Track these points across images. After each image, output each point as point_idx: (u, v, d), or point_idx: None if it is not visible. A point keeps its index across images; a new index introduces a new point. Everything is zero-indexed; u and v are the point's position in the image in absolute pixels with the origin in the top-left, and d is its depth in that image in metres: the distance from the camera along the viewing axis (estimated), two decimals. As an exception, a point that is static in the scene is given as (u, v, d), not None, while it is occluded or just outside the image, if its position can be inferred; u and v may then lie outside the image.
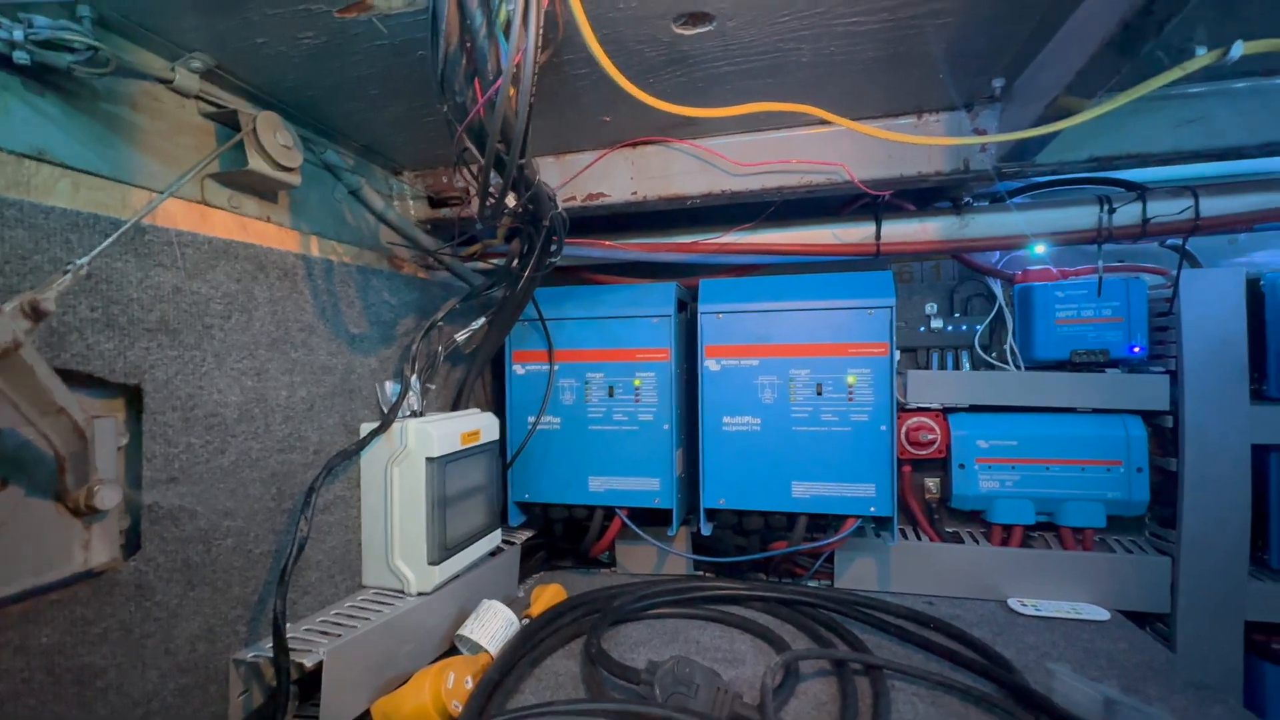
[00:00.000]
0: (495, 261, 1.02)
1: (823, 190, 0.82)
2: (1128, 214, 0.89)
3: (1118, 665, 0.83)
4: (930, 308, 1.12)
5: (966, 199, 0.95)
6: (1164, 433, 1.00)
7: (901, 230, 0.96)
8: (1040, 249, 1.02)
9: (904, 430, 1.06)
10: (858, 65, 0.65)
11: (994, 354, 1.10)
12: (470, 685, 0.71)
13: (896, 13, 0.55)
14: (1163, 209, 0.88)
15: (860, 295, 0.94)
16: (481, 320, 0.95)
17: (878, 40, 0.60)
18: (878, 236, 0.96)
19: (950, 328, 1.10)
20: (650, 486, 1.02)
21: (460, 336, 0.95)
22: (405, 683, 0.68)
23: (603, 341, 1.03)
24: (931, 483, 1.11)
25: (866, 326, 0.93)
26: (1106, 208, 0.90)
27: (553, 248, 0.83)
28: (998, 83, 0.68)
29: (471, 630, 0.82)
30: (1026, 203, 0.99)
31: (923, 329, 1.11)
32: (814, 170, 0.79)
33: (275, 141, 0.63)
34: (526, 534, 1.08)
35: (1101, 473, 1.00)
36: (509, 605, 0.90)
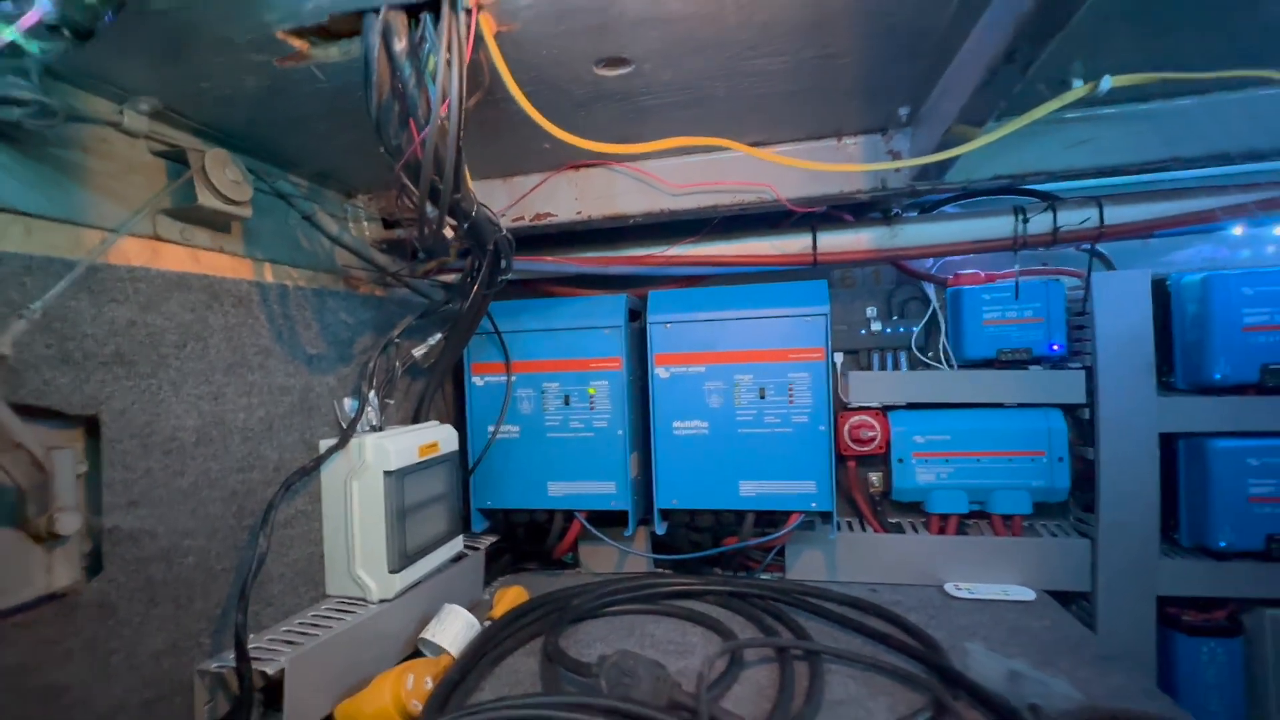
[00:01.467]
0: (452, 277, 1.06)
1: (754, 208, 0.87)
2: (1040, 223, 0.96)
3: (1039, 641, 0.90)
4: (870, 311, 1.18)
5: (895, 210, 1.01)
6: (1083, 424, 1.08)
7: (836, 240, 1.02)
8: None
9: (847, 428, 1.13)
10: (774, 97, 0.70)
11: (930, 354, 1.16)
12: (430, 686, 0.75)
13: (798, 55, 0.60)
14: (1071, 218, 0.95)
15: (797, 303, 0.99)
16: (438, 335, 0.99)
17: (787, 77, 0.65)
18: (814, 247, 1.02)
19: (889, 330, 1.17)
20: (607, 490, 1.06)
21: (418, 351, 0.99)
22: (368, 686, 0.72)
23: (558, 352, 1.08)
24: (875, 477, 1.17)
25: (804, 332, 0.99)
26: (1021, 218, 0.97)
27: (502, 264, 0.87)
28: (904, 110, 0.73)
29: (433, 633, 0.86)
30: (954, 212, 1.06)
31: (864, 331, 1.17)
32: (745, 190, 0.84)
33: (225, 177, 0.66)
34: (490, 539, 1.12)
35: (1027, 463, 1.07)
36: (475, 608, 0.94)
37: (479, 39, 0.52)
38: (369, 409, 0.90)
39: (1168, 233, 0.98)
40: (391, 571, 0.83)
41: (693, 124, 0.76)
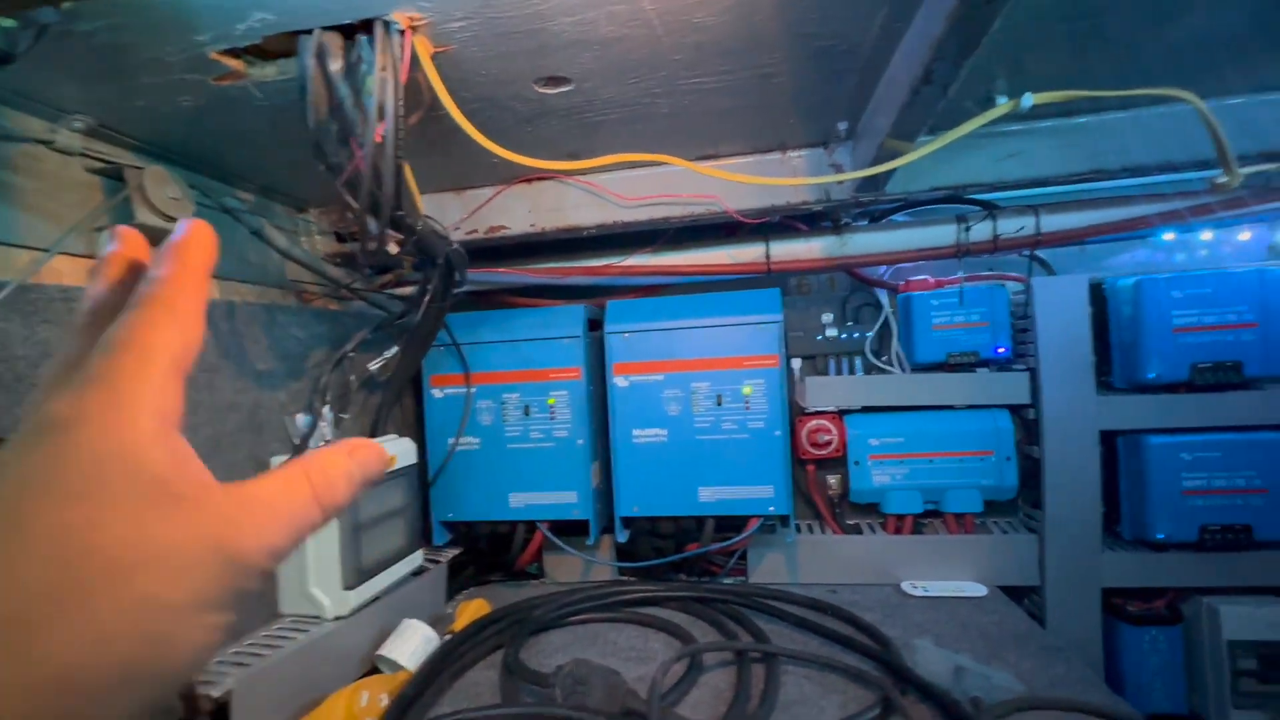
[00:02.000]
0: (408, 290, 1.06)
1: (705, 220, 0.89)
2: (981, 231, 0.99)
3: (987, 635, 0.93)
4: (826, 317, 1.21)
5: (845, 220, 1.04)
6: (1028, 423, 1.12)
7: (789, 249, 1.04)
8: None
9: (805, 432, 1.15)
10: (716, 114, 0.72)
11: (883, 358, 1.19)
12: (385, 703, 0.75)
13: (735, 74, 0.62)
14: (1010, 226, 0.98)
15: (751, 311, 1.02)
16: (395, 348, 0.99)
17: (726, 95, 0.67)
18: (767, 256, 1.04)
19: (844, 335, 1.20)
20: (568, 499, 1.07)
21: (374, 365, 0.98)
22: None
23: (517, 363, 1.08)
24: (833, 479, 1.20)
25: (758, 340, 1.01)
26: (963, 226, 1.00)
27: (456, 276, 0.87)
28: (843, 125, 0.76)
29: (390, 649, 0.85)
30: (902, 221, 1.09)
31: (820, 337, 1.20)
32: (694, 203, 0.86)
33: (164, 194, 0.66)
34: (452, 552, 1.11)
35: (977, 462, 1.11)
36: (437, 622, 0.93)
37: (415, 60, 0.53)
38: (323, 424, 0.89)
39: (1102, 239, 1.03)
40: (346, 588, 0.83)
41: (639, 139, 0.77)
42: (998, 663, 0.84)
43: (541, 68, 0.59)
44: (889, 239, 1.02)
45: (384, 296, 1.06)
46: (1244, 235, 1.15)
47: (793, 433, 1.17)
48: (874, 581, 1.12)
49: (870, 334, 1.19)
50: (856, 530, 1.18)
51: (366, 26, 0.51)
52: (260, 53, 0.55)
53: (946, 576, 1.11)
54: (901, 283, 1.17)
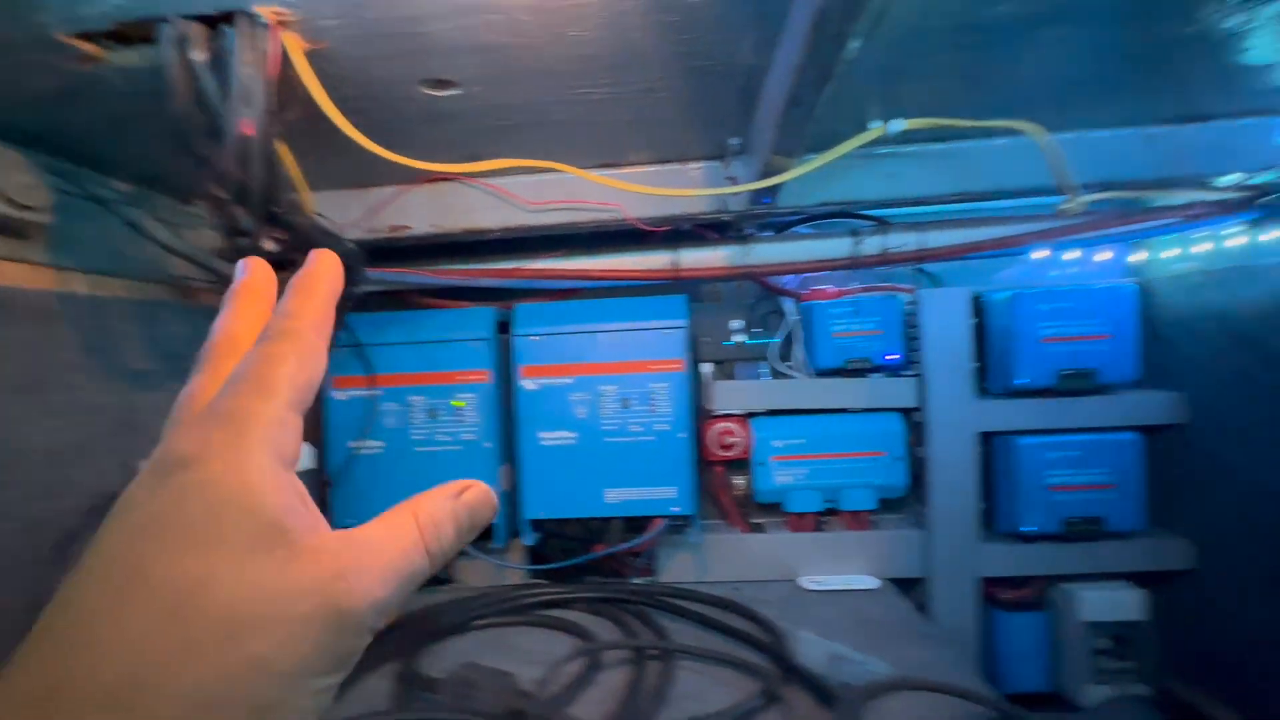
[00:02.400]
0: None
1: (608, 226, 0.91)
2: (872, 245, 1.06)
3: (873, 624, 0.99)
4: (735, 324, 1.25)
5: (750, 230, 1.08)
6: (917, 426, 1.20)
7: (696, 257, 1.08)
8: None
9: (712, 435, 1.19)
10: (612, 124, 0.74)
11: (788, 364, 1.25)
12: None
13: (623, 87, 0.64)
14: (897, 241, 1.05)
15: (658, 317, 1.04)
16: (290, 349, 0.95)
17: (619, 107, 0.69)
18: (675, 263, 1.07)
19: (751, 341, 1.24)
20: (475, 503, 1.06)
21: (267, 366, 0.95)
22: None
23: (424, 365, 1.06)
24: (740, 480, 1.24)
25: (664, 344, 1.04)
26: (856, 240, 1.07)
27: (354, 276, 0.85)
28: (735, 141, 0.80)
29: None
30: (803, 233, 1.15)
31: (728, 343, 1.24)
32: (597, 209, 0.88)
33: (14, 181, 0.62)
34: (355, 558, 1.08)
35: (871, 462, 1.17)
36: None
37: (286, 55, 0.52)
38: (207, 427, 0.85)
39: (980, 255, 1.12)
40: (227, 598, 0.79)
41: (540, 144, 0.78)
42: (879, 650, 0.89)
43: (426, 70, 0.60)
44: (789, 250, 1.07)
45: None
46: (1104, 255, 1.28)
47: (701, 435, 1.20)
48: (776, 578, 1.17)
49: (776, 340, 1.24)
50: (761, 529, 1.23)
51: (231, 18, 0.49)
52: (121, 38, 0.53)
53: (842, 571, 1.17)
54: (805, 291, 1.23)
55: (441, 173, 0.88)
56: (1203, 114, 0.87)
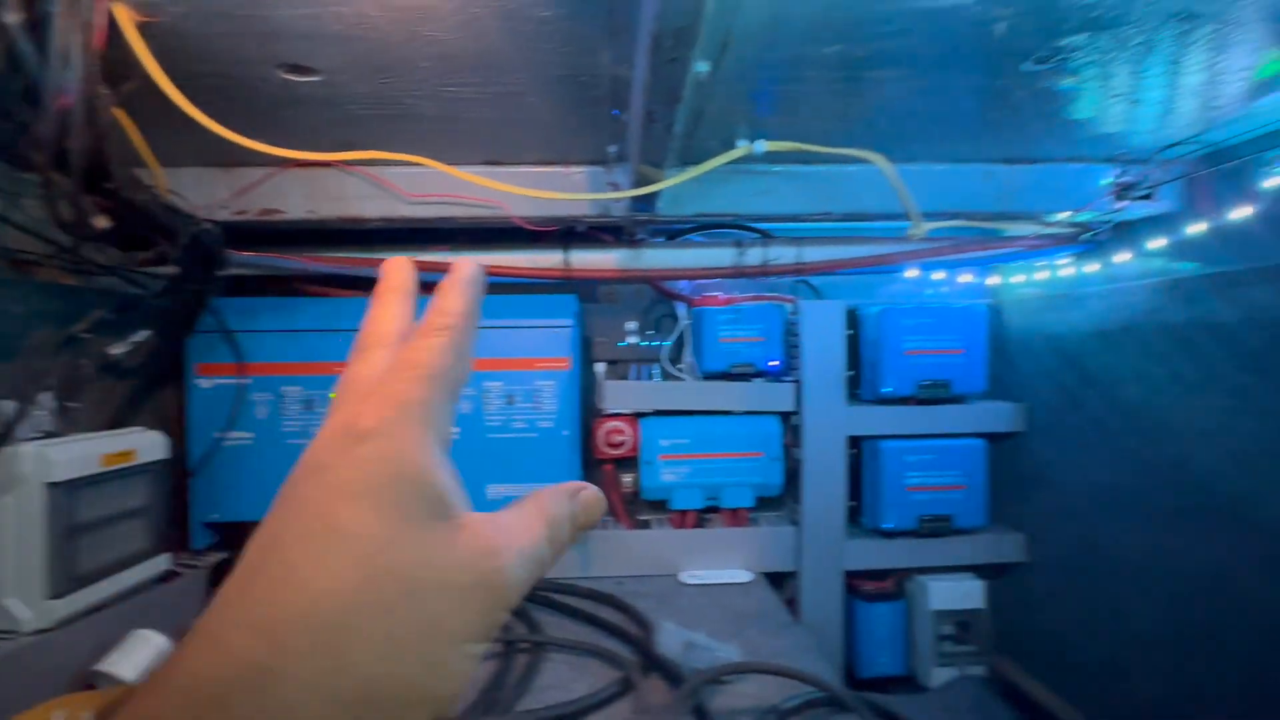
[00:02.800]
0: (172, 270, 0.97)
1: (491, 224, 0.91)
2: (754, 256, 1.12)
3: (740, 614, 1.05)
4: (630, 325, 1.28)
5: (640, 235, 1.12)
6: (794, 429, 1.27)
7: (587, 258, 1.10)
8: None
9: (602, 433, 1.22)
10: (483, 123, 0.75)
11: (679, 366, 1.30)
12: (89, 720, 0.68)
13: (488, 88, 0.65)
14: (777, 254, 1.12)
15: (546, 315, 1.06)
16: (146, 332, 0.90)
17: (487, 106, 0.70)
18: (567, 263, 1.09)
19: (645, 343, 1.28)
20: (352, 497, 1.04)
21: (118, 349, 0.89)
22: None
23: (301, 355, 1.03)
24: (628, 478, 1.27)
25: (551, 342, 1.06)
26: (740, 250, 1.12)
27: (216, 258, 0.82)
28: (612, 149, 0.82)
29: (111, 664, 0.77)
30: (693, 240, 1.19)
31: (622, 344, 1.27)
32: (480, 206, 0.88)
33: None
34: (219, 555, 1.03)
35: (749, 462, 1.24)
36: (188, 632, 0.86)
37: (116, 26, 0.50)
38: (41, 413, 0.79)
39: (852, 271, 1.20)
40: (52, 596, 0.74)
41: (415, 138, 0.78)
42: (743, 639, 0.95)
43: (281, 54, 0.58)
44: (677, 256, 1.12)
45: (143, 275, 0.96)
46: (967, 278, 1.40)
47: (591, 434, 1.23)
48: (658, 573, 1.21)
49: (668, 343, 1.28)
50: (646, 525, 1.27)
51: (47, -19, 0.47)
52: (-75, -10, 0.49)
53: (720, 566, 1.23)
54: (696, 297, 1.28)
55: (314, 159, 0.86)
56: (1035, 156, 0.98)
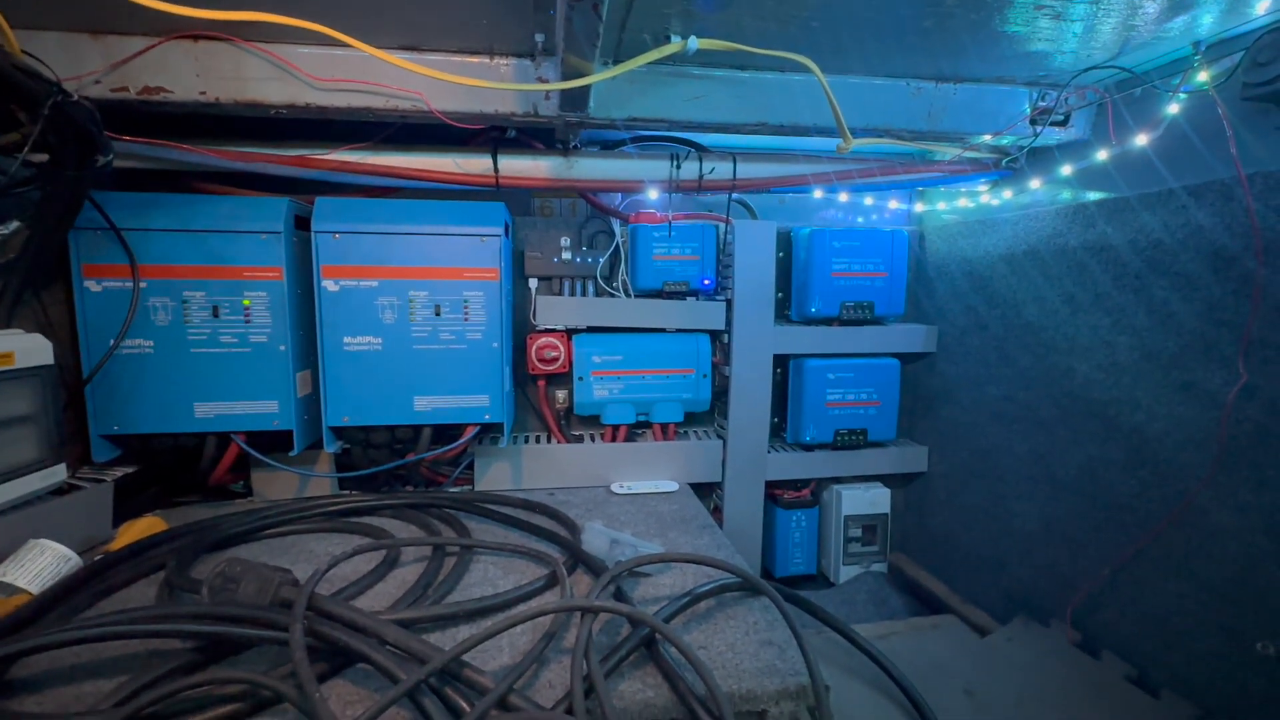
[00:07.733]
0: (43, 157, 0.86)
1: (413, 117, 0.85)
2: (690, 169, 1.10)
3: (665, 519, 1.09)
4: (564, 241, 1.26)
5: (574, 143, 1.08)
6: (724, 347, 1.30)
7: (517, 165, 1.05)
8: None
9: (535, 348, 1.21)
10: (404, 2, 0.68)
11: (613, 284, 1.29)
12: (-19, 626, 0.65)
13: (400, -48, 0.59)
14: (711, 168, 1.11)
15: (474, 223, 1.01)
16: (15, 224, 0.80)
17: (400, -27, 0.64)
18: (496, 169, 1.04)
19: (579, 259, 1.26)
20: (269, 409, 1.00)
21: (-19, 242, 0.79)
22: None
23: (203, 258, 0.95)
24: (561, 394, 1.28)
25: (479, 252, 1.02)
26: (676, 162, 1.10)
27: (95, 144, 0.73)
28: (539, 37, 0.77)
29: (5, 573, 0.74)
30: (628, 152, 1.16)
31: (556, 260, 1.25)
32: (397, 96, 0.82)
33: None
34: (121, 470, 0.98)
35: (680, 379, 1.27)
36: (93, 545, 0.82)
37: None
38: (-109, 309, 0.71)
39: (784, 190, 1.21)
40: (-73, 504, 0.69)
41: (321, 6, 0.70)
42: (663, 539, 1.00)
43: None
44: (611, 167, 1.09)
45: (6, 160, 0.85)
46: (895, 204, 1.44)
47: (524, 349, 1.22)
48: (589, 484, 1.25)
49: (603, 259, 1.27)
50: (580, 440, 1.29)
51: None
52: None
53: (649, 478, 1.27)
54: (632, 214, 1.26)
55: (205, 29, 0.77)
56: (962, 75, 1.00)
